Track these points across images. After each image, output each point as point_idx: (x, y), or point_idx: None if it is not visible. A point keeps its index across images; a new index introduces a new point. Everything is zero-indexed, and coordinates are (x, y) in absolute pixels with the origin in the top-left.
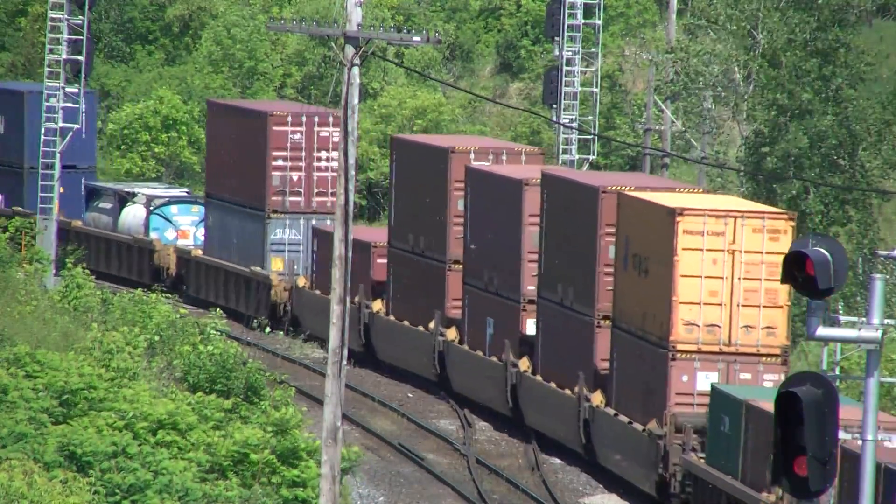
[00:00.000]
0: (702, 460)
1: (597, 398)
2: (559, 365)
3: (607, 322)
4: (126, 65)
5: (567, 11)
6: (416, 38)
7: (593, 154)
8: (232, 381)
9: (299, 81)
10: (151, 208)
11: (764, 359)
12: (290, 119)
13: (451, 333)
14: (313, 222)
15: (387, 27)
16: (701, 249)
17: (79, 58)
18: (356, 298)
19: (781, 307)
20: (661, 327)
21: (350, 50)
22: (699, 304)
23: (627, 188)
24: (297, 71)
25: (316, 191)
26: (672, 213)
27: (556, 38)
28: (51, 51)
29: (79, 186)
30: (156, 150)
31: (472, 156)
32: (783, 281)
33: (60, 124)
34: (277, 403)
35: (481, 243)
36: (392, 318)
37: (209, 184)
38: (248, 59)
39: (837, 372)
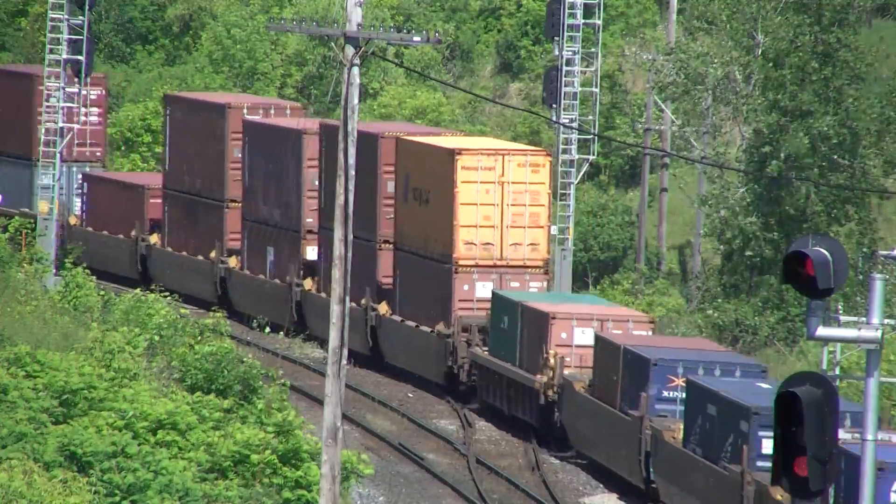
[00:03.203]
0: (485, 352)
1: (383, 308)
2: None
3: (388, 245)
4: (126, 65)
5: (567, 11)
6: (416, 38)
7: (593, 154)
8: (227, 378)
9: (299, 81)
10: None
11: (529, 270)
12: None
13: (233, 261)
14: (74, 169)
15: (387, 27)
16: (476, 182)
17: (79, 58)
18: (132, 233)
19: (542, 227)
20: (444, 247)
21: (350, 50)
22: (476, 226)
23: (402, 134)
24: (297, 71)
25: (77, 142)
26: (452, 153)
27: (556, 38)
28: (51, 51)
29: None
30: (157, 149)
31: (246, 111)
32: (784, 281)
33: (60, 124)
34: (273, 402)
35: (260, 184)
36: (170, 249)
37: None
38: (247, 59)
39: (837, 372)
